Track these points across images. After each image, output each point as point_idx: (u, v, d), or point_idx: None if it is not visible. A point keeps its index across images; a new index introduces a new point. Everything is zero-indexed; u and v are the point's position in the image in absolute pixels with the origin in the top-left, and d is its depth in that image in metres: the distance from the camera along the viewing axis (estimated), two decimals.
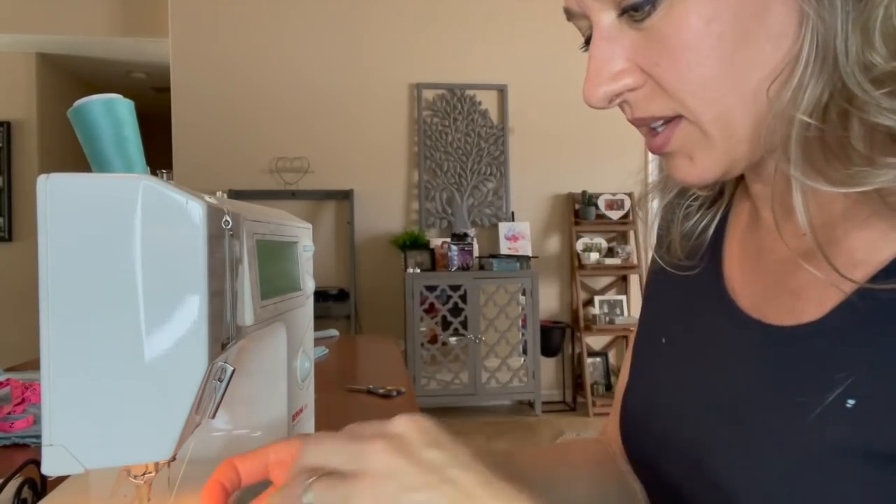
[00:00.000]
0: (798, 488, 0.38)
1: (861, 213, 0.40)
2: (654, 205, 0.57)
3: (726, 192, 0.54)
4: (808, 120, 0.37)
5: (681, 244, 0.54)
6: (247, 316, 0.48)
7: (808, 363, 0.40)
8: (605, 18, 0.41)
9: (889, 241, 0.38)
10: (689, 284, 0.53)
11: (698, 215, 0.54)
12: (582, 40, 0.46)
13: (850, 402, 0.36)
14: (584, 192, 4.23)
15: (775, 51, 0.38)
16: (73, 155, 4.75)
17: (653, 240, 0.60)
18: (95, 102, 0.48)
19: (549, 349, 4.19)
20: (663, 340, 0.55)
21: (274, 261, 0.57)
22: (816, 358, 0.39)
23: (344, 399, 1.24)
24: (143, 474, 0.44)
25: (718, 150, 0.41)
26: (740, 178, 0.51)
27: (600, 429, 0.66)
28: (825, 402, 0.37)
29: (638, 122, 0.44)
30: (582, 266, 4.22)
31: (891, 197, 0.37)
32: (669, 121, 0.42)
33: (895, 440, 0.34)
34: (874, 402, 0.35)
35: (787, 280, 0.44)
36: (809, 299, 0.41)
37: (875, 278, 0.37)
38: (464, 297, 3.88)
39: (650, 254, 0.60)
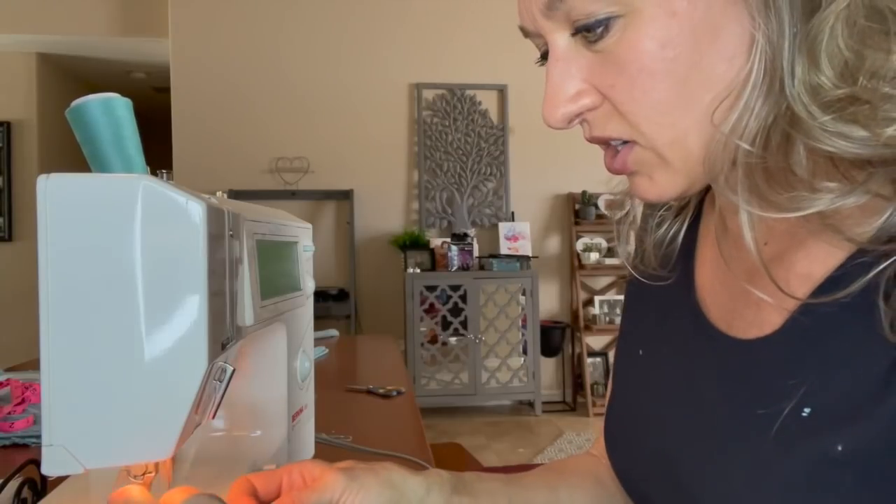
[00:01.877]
0: (764, 499, 0.38)
1: (801, 231, 0.40)
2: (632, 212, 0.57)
3: (692, 200, 0.54)
4: (750, 148, 0.37)
5: (654, 252, 0.54)
6: (247, 316, 0.48)
7: (765, 376, 0.40)
8: (560, 39, 0.41)
9: (828, 257, 0.39)
10: (663, 294, 0.53)
11: (668, 223, 0.54)
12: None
13: (806, 410, 0.37)
14: (584, 192, 4.23)
15: (727, 71, 0.37)
16: (73, 155, 4.74)
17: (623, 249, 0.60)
18: (93, 102, 0.48)
19: (549, 349, 4.19)
20: (640, 352, 0.55)
21: (274, 261, 0.57)
22: (772, 370, 0.40)
23: (344, 399, 1.24)
24: (143, 474, 0.44)
25: (677, 171, 0.41)
26: (709, 186, 0.51)
27: (594, 441, 0.67)
28: (783, 413, 0.38)
29: (596, 141, 0.44)
30: (582, 266, 4.22)
31: (829, 219, 0.37)
32: (626, 141, 0.42)
33: (850, 446, 0.34)
34: (827, 410, 0.36)
35: (750, 292, 0.44)
36: (769, 312, 0.42)
37: (815, 294, 0.38)
38: (464, 297, 3.88)
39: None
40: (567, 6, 0.39)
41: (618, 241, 0.57)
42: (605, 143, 0.43)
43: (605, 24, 0.38)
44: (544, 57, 0.45)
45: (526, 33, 0.45)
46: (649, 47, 0.37)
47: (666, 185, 0.42)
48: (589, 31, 0.39)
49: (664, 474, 0.47)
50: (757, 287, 0.42)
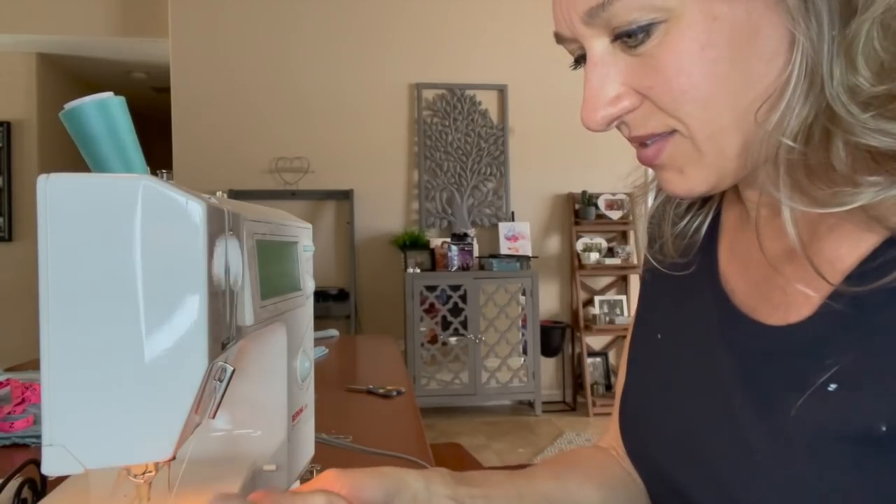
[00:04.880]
0: (788, 474, 0.39)
1: (830, 217, 0.41)
2: (647, 205, 0.58)
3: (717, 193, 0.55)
4: (793, 144, 0.38)
5: (674, 243, 0.55)
6: (247, 316, 0.48)
7: (796, 357, 0.41)
8: (598, 45, 0.42)
9: (859, 241, 0.40)
10: (684, 281, 0.54)
11: (690, 215, 0.55)
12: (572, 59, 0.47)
13: (832, 386, 0.38)
14: (584, 192, 4.23)
15: (767, 71, 0.39)
16: (73, 155, 4.73)
17: (644, 240, 0.61)
18: (88, 104, 0.47)
19: (549, 349, 4.19)
20: (659, 336, 0.56)
21: (274, 261, 0.57)
22: (804, 353, 0.41)
23: (344, 399, 1.24)
24: (143, 473, 0.44)
25: (709, 166, 0.42)
26: None
27: (601, 433, 0.67)
28: (810, 390, 0.39)
29: (636, 140, 0.45)
30: (582, 266, 4.22)
31: (873, 210, 0.38)
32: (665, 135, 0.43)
33: (873, 420, 0.35)
34: (854, 386, 0.37)
35: (777, 277, 0.45)
36: (797, 296, 0.43)
37: (854, 281, 0.39)
38: (464, 297, 3.88)
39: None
40: (608, 14, 0.39)
41: (636, 231, 0.58)
42: (645, 140, 0.44)
43: (647, 29, 0.39)
44: (578, 62, 0.46)
45: (560, 39, 0.45)
46: (690, 50, 0.38)
47: (696, 179, 0.43)
48: (629, 37, 0.40)
49: (688, 454, 0.48)
50: (786, 273, 0.43)
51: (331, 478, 0.45)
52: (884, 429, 0.35)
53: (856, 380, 0.37)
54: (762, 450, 0.41)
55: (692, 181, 0.43)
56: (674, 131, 0.42)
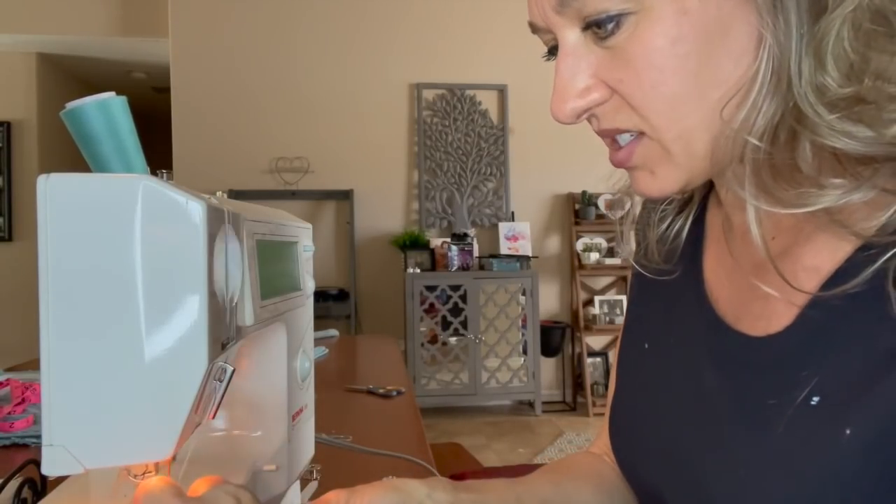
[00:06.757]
0: (773, 489, 0.38)
1: (808, 226, 0.41)
2: (632, 209, 0.58)
3: (696, 196, 0.55)
4: (759, 144, 0.38)
5: (657, 248, 0.55)
6: (247, 316, 0.48)
7: (776, 370, 0.41)
8: (570, 35, 0.41)
9: (836, 250, 0.39)
10: (671, 289, 0.54)
11: (671, 219, 0.55)
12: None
13: (815, 399, 0.37)
14: (584, 192, 4.23)
15: (735, 69, 0.38)
16: (73, 155, 4.73)
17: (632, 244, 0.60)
18: (89, 105, 0.47)
19: (549, 349, 4.19)
20: (646, 345, 0.56)
21: (274, 261, 0.57)
22: (783, 365, 0.40)
23: (344, 399, 1.24)
24: (143, 473, 0.44)
25: (679, 166, 0.42)
26: (712, 183, 0.52)
27: (594, 440, 0.67)
28: (794, 403, 0.38)
29: (603, 134, 0.44)
30: (582, 266, 4.22)
31: (836, 215, 0.38)
32: (634, 134, 0.43)
33: (857, 433, 0.35)
34: (836, 397, 0.37)
35: (759, 286, 0.44)
36: (777, 305, 0.42)
37: (824, 287, 0.39)
38: (464, 297, 3.88)
39: None
40: (580, 3, 0.39)
41: (620, 238, 0.57)
42: (612, 136, 0.44)
43: (617, 20, 0.39)
44: (551, 52, 0.45)
45: (534, 29, 0.45)
46: (660, 44, 0.38)
47: (667, 180, 0.43)
48: (600, 28, 0.39)
49: (672, 465, 0.48)
50: (764, 281, 0.42)
51: (342, 500, 0.45)
52: (847, 432, 0.35)
53: (835, 391, 0.37)
54: (747, 464, 0.40)
55: (663, 182, 0.43)
56: (641, 134, 0.42)
